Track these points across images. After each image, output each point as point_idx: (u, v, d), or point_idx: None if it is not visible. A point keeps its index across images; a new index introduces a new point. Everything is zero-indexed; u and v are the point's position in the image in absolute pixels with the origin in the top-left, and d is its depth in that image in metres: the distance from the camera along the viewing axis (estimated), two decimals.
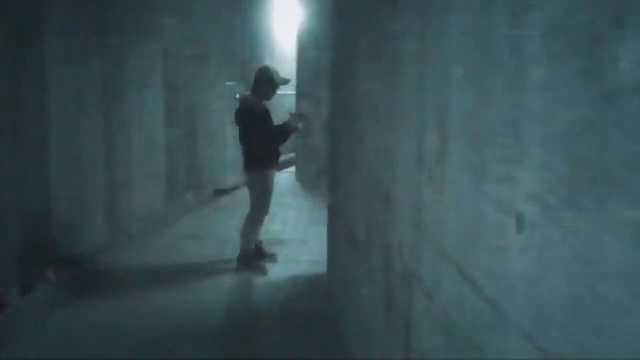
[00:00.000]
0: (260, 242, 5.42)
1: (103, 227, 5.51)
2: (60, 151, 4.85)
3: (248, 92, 5.25)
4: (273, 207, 5.50)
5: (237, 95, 8.71)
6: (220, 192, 8.43)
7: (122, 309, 4.24)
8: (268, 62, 5.92)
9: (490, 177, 1.29)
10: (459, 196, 1.48)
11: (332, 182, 4.47)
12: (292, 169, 10.29)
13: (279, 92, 5.35)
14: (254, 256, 5.20)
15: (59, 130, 4.81)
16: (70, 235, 4.96)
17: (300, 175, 9.91)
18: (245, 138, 5.09)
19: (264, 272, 5.08)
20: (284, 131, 5.14)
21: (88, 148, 5.25)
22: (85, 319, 4.06)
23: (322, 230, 6.09)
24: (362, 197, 2.95)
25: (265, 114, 5.03)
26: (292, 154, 10.32)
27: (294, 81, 10.05)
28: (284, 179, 9.77)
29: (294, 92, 10.22)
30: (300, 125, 5.31)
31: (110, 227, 5.61)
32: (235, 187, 8.41)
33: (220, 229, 6.53)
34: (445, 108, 1.59)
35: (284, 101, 11.06)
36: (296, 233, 6.39)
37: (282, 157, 10.34)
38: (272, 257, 5.39)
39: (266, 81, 5.08)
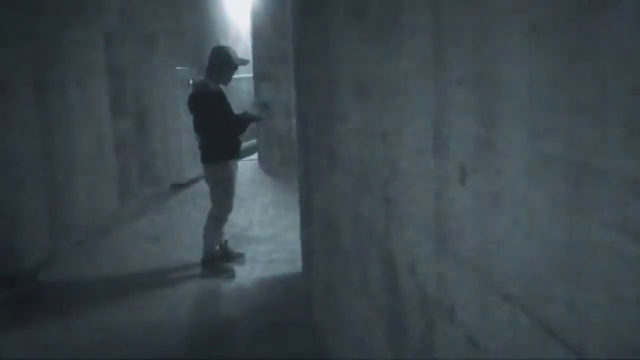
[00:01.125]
0: (226, 241, 4.88)
1: (45, 236, 4.88)
2: None
3: (202, 77, 4.66)
4: (236, 199, 4.97)
5: (191, 81, 8.09)
6: (178, 186, 7.82)
7: (67, 330, 3.65)
8: (223, 42, 5.31)
9: (600, 176, 0.79)
10: (534, 205, 0.98)
11: (303, 173, 3.94)
12: (255, 156, 9.72)
13: (235, 75, 4.81)
14: (219, 259, 4.66)
15: None
16: (4, 251, 4.32)
17: (263, 163, 9.35)
18: (201, 127, 4.52)
19: (231, 275, 4.55)
20: (244, 120, 4.62)
21: (20, 147, 4.59)
22: (25, 347, 3.47)
23: (292, 222, 5.59)
24: (347, 192, 2.44)
25: (222, 99, 4.46)
26: (254, 141, 9.74)
27: (250, 62, 9.46)
28: (246, 167, 9.21)
29: (251, 74, 9.63)
30: (263, 114, 4.80)
31: (54, 235, 4.98)
32: (194, 180, 7.80)
33: (180, 227, 5.96)
34: (492, 74, 1.08)
35: (241, 85, 10.46)
36: (264, 228, 5.86)
37: (243, 145, 9.83)
38: (239, 258, 4.86)
39: (222, 63, 4.50)
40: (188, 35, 8.51)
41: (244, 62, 4.65)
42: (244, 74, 10.09)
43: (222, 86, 4.60)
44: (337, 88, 2.53)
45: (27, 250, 4.58)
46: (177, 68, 7.83)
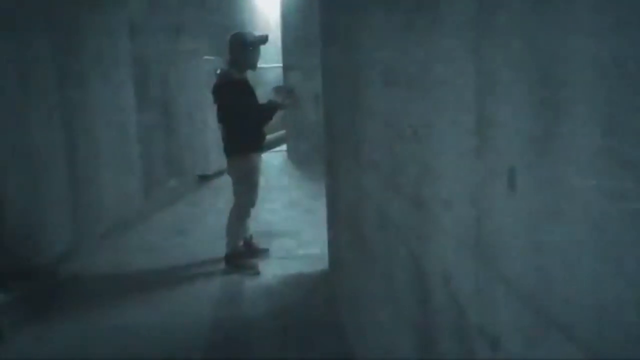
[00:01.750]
0: (250, 236, 4.72)
1: (67, 229, 4.78)
2: (4, 145, 4.09)
3: (226, 67, 4.47)
4: (263, 192, 4.80)
5: (218, 71, 7.94)
6: (204, 178, 7.71)
7: (83, 330, 3.53)
8: (242, 29, 5.15)
9: None
10: (606, 220, 0.76)
11: (330, 168, 3.73)
12: (283, 147, 9.56)
13: (263, 65, 4.61)
14: (243, 254, 4.50)
15: None
16: (26, 243, 4.23)
17: (291, 155, 9.18)
18: (224, 117, 4.34)
19: (255, 272, 4.38)
20: (269, 109, 4.41)
21: (42, 140, 4.49)
22: (42, 345, 3.36)
23: (321, 216, 5.40)
24: (373, 190, 2.23)
25: (246, 89, 4.27)
26: (282, 132, 9.58)
27: (279, 51, 9.27)
28: (274, 158, 9.05)
29: (280, 64, 9.45)
30: (287, 101, 4.57)
31: (76, 229, 4.88)
32: (221, 172, 7.66)
33: (206, 220, 5.82)
34: (555, 55, 0.86)
35: (269, 74, 10.28)
36: (290, 222, 5.69)
37: (271, 136, 9.65)
38: (264, 254, 4.69)
39: (240, 47, 4.30)
40: (215, 25, 8.36)
41: (261, 39, 4.40)
42: (272, 63, 9.92)
43: (250, 75, 4.43)
44: (362, 77, 2.32)
45: (48, 244, 4.49)
46: (204, 57, 7.68)
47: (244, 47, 4.30)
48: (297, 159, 8.96)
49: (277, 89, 4.51)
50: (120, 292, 4.12)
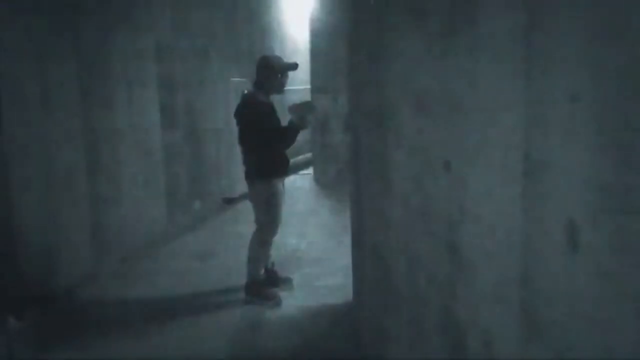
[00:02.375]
0: (272, 264, 4.55)
1: (87, 252, 4.68)
2: (24, 165, 4.02)
3: (252, 88, 4.35)
4: (288, 216, 4.63)
5: (245, 91, 7.86)
6: (229, 201, 7.58)
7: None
8: (271, 52, 4.99)
9: None
10: None
11: (354, 195, 3.54)
12: (310, 170, 9.41)
13: (291, 87, 4.45)
14: (264, 284, 4.32)
15: (18, 140, 3.97)
16: (42, 267, 4.14)
17: (318, 178, 9.02)
18: (246, 140, 4.20)
19: (276, 302, 4.20)
20: (289, 132, 4.15)
21: (63, 160, 4.42)
22: None
23: (345, 243, 5.21)
24: (401, 226, 2.04)
25: (269, 111, 4.12)
26: (309, 154, 9.44)
27: (307, 74, 9.18)
28: (300, 181, 8.91)
29: (308, 86, 9.35)
30: (306, 118, 4.24)
31: (96, 252, 4.78)
32: (246, 195, 7.54)
33: (229, 245, 5.67)
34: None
35: (297, 98, 10.19)
36: (315, 248, 5.50)
37: (298, 158, 9.52)
38: (286, 283, 4.51)
39: (268, 71, 4.18)
40: (243, 47, 8.32)
41: (290, 67, 4.26)
42: (300, 85, 9.83)
43: (277, 98, 4.29)
44: (391, 102, 2.15)
45: (66, 267, 4.39)
46: (232, 79, 7.62)
47: (272, 72, 4.18)
48: (323, 182, 8.80)
49: (292, 108, 4.21)
50: (135, 320, 3.98)
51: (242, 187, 7.59)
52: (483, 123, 1.20)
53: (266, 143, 4.06)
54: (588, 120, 0.77)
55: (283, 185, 4.32)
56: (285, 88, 4.37)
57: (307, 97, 9.23)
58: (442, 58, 1.43)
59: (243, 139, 4.20)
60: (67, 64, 4.46)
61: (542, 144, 0.90)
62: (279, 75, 4.19)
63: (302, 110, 4.19)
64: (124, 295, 4.44)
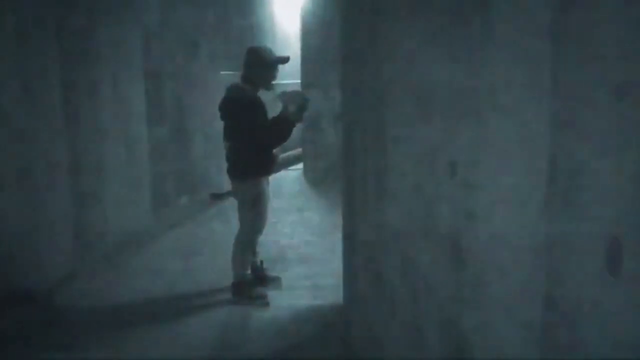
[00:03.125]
0: (261, 262, 4.41)
1: (69, 250, 4.52)
2: (2, 161, 3.85)
3: (238, 80, 4.15)
4: (277, 213, 4.50)
5: (231, 84, 7.70)
6: (217, 197, 7.42)
7: None
8: (262, 44, 4.75)
9: None
10: None
11: (347, 195, 3.41)
12: (299, 166, 9.27)
13: (281, 82, 4.29)
14: (250, 284, 4.19)
15: None
16: (23, 265, 3.98)
17: (308, 174, 8.89)
18: (231, 136, 4.04)
19: (264, 303, 4.07)
20: (281, 123, 3.87)
21: (45, 155, 4.25)
22: None
23: (336, 242, 5.08)
24: (398, 231, 1.92)
25: (256, 106, 3.92)
26: (299, 150, 9.29)
27: (297, 68, 9.04)
28: (290, 178, 8.77)
29: (299, 81, 9.20)
30: (299, 110, 3.91)
31: (79, 250, 4.63)
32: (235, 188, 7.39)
33: (217, 242, 5.52)
34: None
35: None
36: (305, 247, 5.37)
37: (288, 154, 9.37)
38: (275, 283, 4.38)
39: (254, 64, 3.99)
40: (233, 39, 8.15)
41: (281, 60, 4.06)
42: (291, 79, 9.68)
43: (262, 91, 4.11)
44: (389, 99, 2.02)
45: (46, 267, 4.23)
46: (222, 72, 7.46)
47: (262, 65, 3.99)
48: (313, 178, 8.66)
49: (284, 95, 3.94)
50: (120, 322, 3.84)
51: (229, 182, 7.46)
52: (497, 122, 1.08)
53: (256, 140, 3.90)
54: (638, 119, 0.64)
55: (268, 183, 4.18)
56: (275, 83, 4.21)
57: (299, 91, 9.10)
58: (448, 48, 1.31)
59: (228, 135, 4.05)
60: (49, 57, 4.30)
61: (575, 146, 0.78)
62: (269, 68, 4.02)
63: (295, 100, 3.92)
64: (107, 295, 4.29)
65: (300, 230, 5.92)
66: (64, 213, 4.50)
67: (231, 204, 7.06)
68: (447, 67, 1.30)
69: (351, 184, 3.15)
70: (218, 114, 4.12)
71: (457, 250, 1.28)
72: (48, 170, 4.29)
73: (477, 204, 1.17)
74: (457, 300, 1.30)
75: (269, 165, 4.10)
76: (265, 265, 4.46)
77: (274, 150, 4.13)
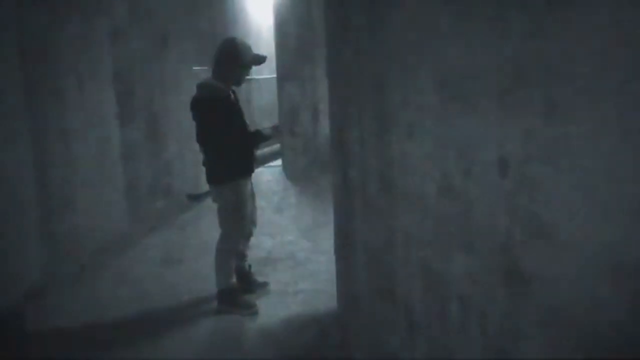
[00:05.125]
0: (249, 267, 4.13)
1: (37, 262, 4.20)
2: None
3: (209, 76, 3.86)
4: (258, 212, 4.23)
5: (201, 82, 7.39)
6: (194, 198, 7.12)
7: None
8: (234, 36, 4.42)
9: None
10: None
11: (339, 192, 3.15)
12: (278, 162, 9.00)
13: (255, 77, 4.03)
14: (237, 291, 3.91)
15: None
16: None
17: (288, 170, 8.62)
18: (203, 138, 3.75)
19: (253, 311, 3.81)
20: (257, 138, 3.85)
21: (7, 159, 3.92)
22: None
23: (324, 241, 4.85)
24: (416, 236, 1.68)
25: (229, 105, 3.67)
26: (277, 145, 9.01)
27: (273, 61, 8.76)
28: (269, 175, 8.50)
29: (273, 75, 8.92)
30: (274, 135, 4.04)
31: (49, 260, 4.30)
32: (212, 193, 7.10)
33: (197, 247, 5.23)
34: None
35: (263, 86, 9.75)
36: (288, 249, 5.11)
37: (266, 150, 9.09)
38: (263, 288, 4.11)
39: (228, 60, 3.69)
40: (205, 33, 7.83)
41: (259, 60, 3.79)
42: (265, 75, 9.38)
43: (233, 88, 3.84)
44: (395, 84, 1.78)
45: (13, 281, 3.90)
46: (194, 68, 7.14)
47: (236, 63, 3.69)
48: (294, 174, 8.40)
49: (274, 127, 4.12)
50: (96, 338, 3.55)
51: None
52: (566, 109, 0.84)
53: (230, 142, 3.64)
54: None
55: (251, 183, 3.91)
56: (249, 77, 3.95)
57: (273, 85, 8.83)
58: (493, 20, 1.06)
59: (201, 138, 3.76)
60: (8, 55, 3.95)
61: None
62: (244, 68, 3.74)
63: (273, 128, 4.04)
64: (81, 308, 3.98)
65: (284, 230, 5.66)
66: (31, 221, 4.17)
67: (211, 205, 6.78)
68: (494, 42, 1.05)
69: (344, 179, 2.89)
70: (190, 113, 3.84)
71: (513, 263, 1.05)
72: (12, 177, 3.96)
73: (546, 209, 0.94)
74: (508, 317, 1.06)
75: (247, 166, 3.83)
76: (253, 269, 4.19)
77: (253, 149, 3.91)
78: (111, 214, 5.30)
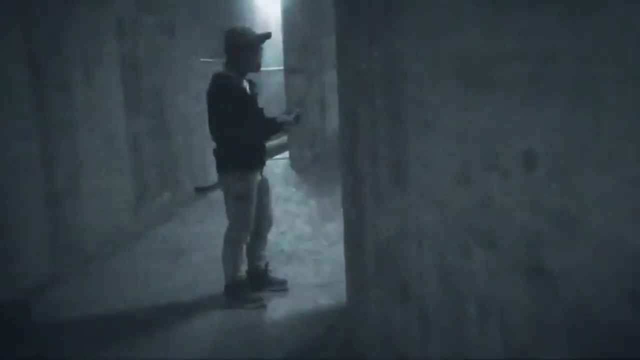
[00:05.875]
0: (267, 264, 4.05)
1: (44, 256, 4.17)
2: None
3: (222, 68, 3.83)
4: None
5: (215, 72, 7.33)
6: (202, 190, 7.08)
7: None
8: (238, 24, 4.36)
9: None
10: None
11: (348, 186, 3.08)
12: (286, 154, 8.95)
13: (265, 68, 3.99)
14: (245, 285, 3.86)
15: None
16: None
17: (295, 163, 8.56)
18: (216, 128, 3.73)
19: (260, 306, 3.77)
20: (271, 125, 3.83)
21: (13, 152, 3.89)
22: None
23: (332, 235, 4.81)
24: (431, 234, 1.62)
25: (243, 95, 3.65)
26: (284, 138, 8.96)
27: (280, 54, 8.70)
28: (276, 167, 8.44)
29: (280, 67, 8.85)
30: (292, 124, 3.92)
31: (55, 255, 4.27)
32: (221, 184, 7.04)
33: (205, 240, 5.19)
34: None
35: (270, 79, 9.67)
36: (298, 242, 5.07)
37: (273, 142, 9.04)
38: (281, 286, 4.01)
39: (237, 45, 3.66)
40: (212, 25, 7.77)
41: (263, 36, 3.74)
42: (273, 66, 9.32)
43: (248, 77, 3.81)
44: (410, 73, 1.72)
45: (21, 275, 3.88)
46: (202, 60, 7.08)
47: (243, 47, 3.67)
48: (301, 167, 8.35)
49: (286, 113, 3.91)
50: (102, 333, 3.51)
51: (215, 175, 7.11)
52: (599, 98, 0.78)
53: (243, 131, 3.61)
54: None
55: (261, 177, 3.85)
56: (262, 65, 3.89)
57: (280, 78, 8.77)
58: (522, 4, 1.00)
59: (212, 127, 3.74)
60: (14, 44, 3.91)
61: None
62: (250, 48, 3.70)
63: (292, 116, 3.84)
64: (86, 304, 3.94)
65: (292, 224, 5.61)
66: (38, 214, 4.14)
67: (218, 198, 6.73)
68: (521, 26, 0.99)
69: (355, 171, 2.82)
70: (200, 103, 3.85)
71: (539, 264, 0.99)
72: (18, 171, 3.92)
73: (573, 205, 0.88)
74: (534, 323, 1.00)
75: (256, 157, 3.79)
76: (270, 267, 4.11)
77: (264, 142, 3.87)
78: (117, 206, 5.26)
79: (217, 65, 7.40)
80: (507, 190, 1.09)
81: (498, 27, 1.07)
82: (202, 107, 6.89)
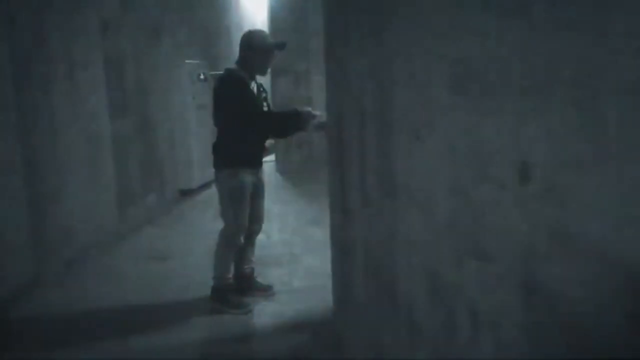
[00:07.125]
0: (252, 270, 4.02)
1: (26, 257, 4.10)
2: None
3: (234, 66, 3.85)
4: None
5: (202, 75, 7.29)
6: (187, 192, 7.03)
7: None
8: (256, 28, 4.41)
9: None
10: None
11: (335, 191, 3.06)
12: (272, 158, 8.92)
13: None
14: (231, 289, 3.82)
15: None
16: None
17: (281, 166, 8.55)
18: (215, 121, 3.83)
19: (247, 310, 3.73)
20: (283, 118, 3.92)
21: None
22: None
23: (318, 238, 4.79)
24: (420, 243, 1.60)
25: (243, 88, 3.65)
26: (271, 141, 8.94)
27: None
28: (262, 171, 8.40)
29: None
30: (312, 130, 3.93)
31: (37, 257, 4.20)
32: (205, 185, 7.01)
33: (190, 243, 5.17)
34: None
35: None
36: (284, 246, 5.04)
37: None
38: (267, 292, 3.99)
39: (247, 50, 3.70)
40: (198, 26, 7.73)
41: (278, 45, 3.80)
42: None
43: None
44: (400, 80, 1.70)
45: (3, 276, 3.80)
46: (187, 62, 7.04)
47: (252, 51, 3.70)
48: (287, 170, 8.33)
49: (316, 118, 3.76)
50: (84, 337, 3.45)
51: (200, 177, 7.07)
52: (601, 110, 0.77)
53: (241, 125, 3.61)
54: None
55: (257, 178, 3.82)
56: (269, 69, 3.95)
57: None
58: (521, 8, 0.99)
59: (217, 120, 3.78)
60: None
61: None
62: (265, 54, 3.73)
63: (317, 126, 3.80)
64: (71, 305, 3.89)
65: (278, 228, 5.58)
66: (19, 216, 4.06)
67: (203, 199, 6.71)
68: (519, 33, 0.98)
69: (342, 176, 2.81)
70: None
71: (530, 275, 0.98)
72: None
73: (570, 219, 0.87)
74: (526, 349, 0.99)
75: (250, 157, 3.76)
76: (257, 273, 4.07)
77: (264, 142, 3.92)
78: (101, 208, 5.20)
79: (202, 66, 7.40)
80: (500, 201, 1.08)
81: (492, 34, 1.05)
82: (187, 107, 6.88)
